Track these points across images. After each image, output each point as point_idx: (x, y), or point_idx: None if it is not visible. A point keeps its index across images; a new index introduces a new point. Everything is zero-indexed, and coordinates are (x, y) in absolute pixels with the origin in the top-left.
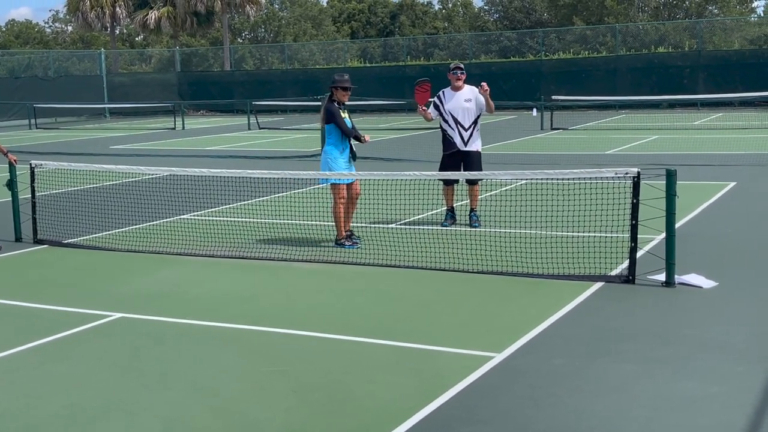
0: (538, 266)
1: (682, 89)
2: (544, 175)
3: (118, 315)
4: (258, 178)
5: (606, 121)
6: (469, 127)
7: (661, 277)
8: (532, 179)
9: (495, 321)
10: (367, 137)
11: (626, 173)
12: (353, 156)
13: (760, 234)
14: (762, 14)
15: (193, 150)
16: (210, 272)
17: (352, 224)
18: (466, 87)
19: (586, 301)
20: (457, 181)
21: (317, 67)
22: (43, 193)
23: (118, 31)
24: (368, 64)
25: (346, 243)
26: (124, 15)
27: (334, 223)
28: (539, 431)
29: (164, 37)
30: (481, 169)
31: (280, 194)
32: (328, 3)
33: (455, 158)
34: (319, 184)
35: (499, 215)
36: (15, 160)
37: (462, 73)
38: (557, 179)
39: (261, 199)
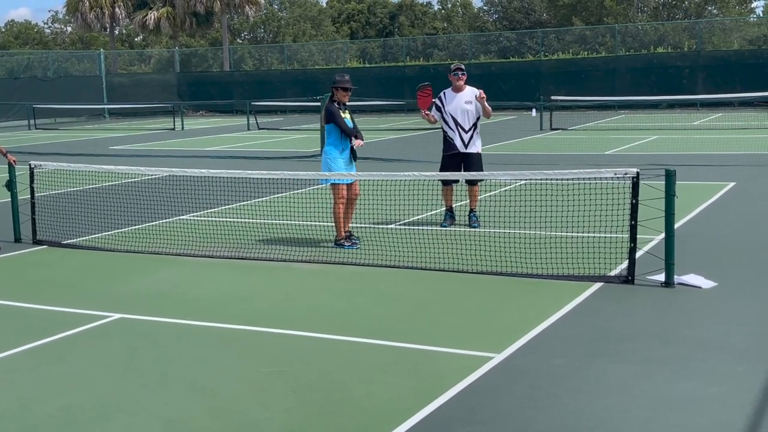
0: (537, 266)
1: (682, 89)
2: (544, 176)
3: (117, 315)
4: (257, 178)
5: (605, 121)
6: (470, 129)
7: (661, 277)
8: (531, 179)
9: (494, 321)
10: (357, 142)
11: (625, 173)
12: (354, 156)
13: (760, 234)
14: (761, 14)
15: (192, 150)
16: (209, 273)
17: (351, 224)
18: (468, 88)
19: (586, 301)
20: (456, 181)
21: (316, 67)
22: (42, 194)
23: (117, 32)
24: (367, 65)
25: (346, 243)
26: (123, 15)
27: (333, 224)
28: (539, 431)
29: (163, 37)
30: (482, 170)
31: (280, 195)
32: (327, 3)
33: (456, 159)
34: (319, 184)
35: (499, 215)
36: (14, 161)
37: (463, 74)
38: (556, 179)
39: (260, 199)
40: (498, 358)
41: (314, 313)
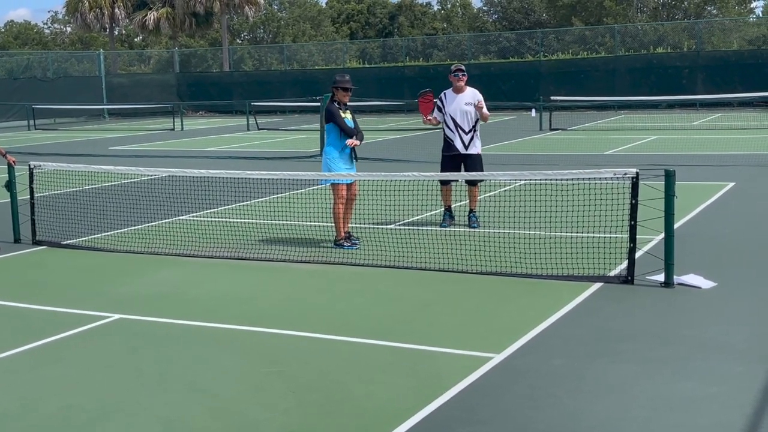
0: (537, 267)
1: (681, 90)
2: (543, 176)
3: (117, 316)
4: (257, 179)
5: (605, 121)
6: (470, 130)
7: (660, 277)
8: (531, 180)
9: (494, 321)
10: (350, 141)
11: (625, 174)
12: (354, 156)
13: (759, 234)
14: (761, 15)
15: (191, 151)
16: (209, 273)
17: (350, 225)
18: (468, 89)
19: (585, 301)
20: (455, 181)
21: (316, 67)
22: (41, 194)
23: (116, 32)
24: (367, 65)
25: (345, 244)
26: (122, 16)
27: (332, 224)
28: (538, 431)
29: (163, 38)
30: (482, 171)
31: (279, 195)
32: (327, 4)
33: (456, 160)
34: (319, 184)
35: (498, 216)
36: (14, 161)
37: (463, 75)
38: (556, 180)
39: (260, 199)
40: (498, 358)
41: (314, 313)
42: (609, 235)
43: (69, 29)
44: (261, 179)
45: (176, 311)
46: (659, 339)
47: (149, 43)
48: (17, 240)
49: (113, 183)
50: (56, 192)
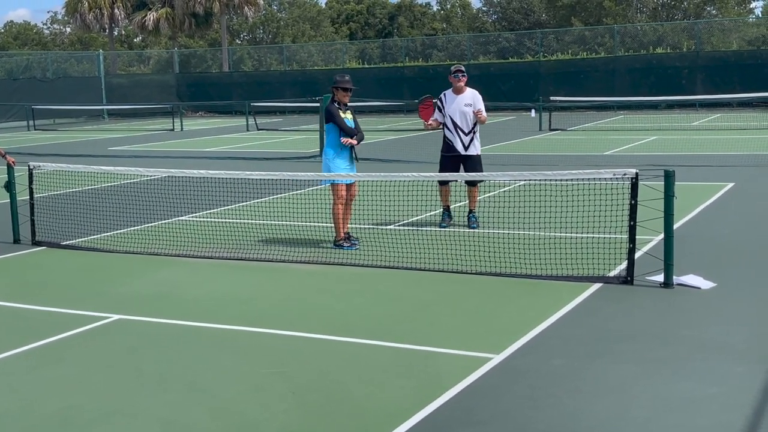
0: (536, 267)
1: (681, 90)
2: (543, 176)
3: (117, 317)
4: (256, 179)
5: (604, 121)
6: (470, 132)
7: (660, 278)
8: (530, 180)
9: (494, 322)
10: (345, 140)
11: (624, 174)
12: (354, 157)
13: (759, 234)
14: (760, 15)
15: (191, 151)
16: (208, 273)
17: (350, 225)
18: (468, 90)
19: (585, 302)
20: (455, 181)
21: (316, 68)
22: (41, 195)
23: (116, 33)
24: (367, 65)
25: (345, 244)
26: (122, 16)
27: (332, 224)
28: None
29: (162, 38)
30: (482, 171)
31: (279, 195)
32: (326, 4)
33: (455, 161)
34: (320, 185)
35: (498, 216)
36: (13, 162)
37: (463, 76)
38: (556, 180)
39: (259, 200)
40: (497, 358)
41: (313, 313)
42: (608, 236)
43: (68, 30)
44: (260, 180)
45: (176, 312)
46: (659, 339)
47: (149, 43)
48: (17, 240)
49: (113, 183)
50: (56, 192)
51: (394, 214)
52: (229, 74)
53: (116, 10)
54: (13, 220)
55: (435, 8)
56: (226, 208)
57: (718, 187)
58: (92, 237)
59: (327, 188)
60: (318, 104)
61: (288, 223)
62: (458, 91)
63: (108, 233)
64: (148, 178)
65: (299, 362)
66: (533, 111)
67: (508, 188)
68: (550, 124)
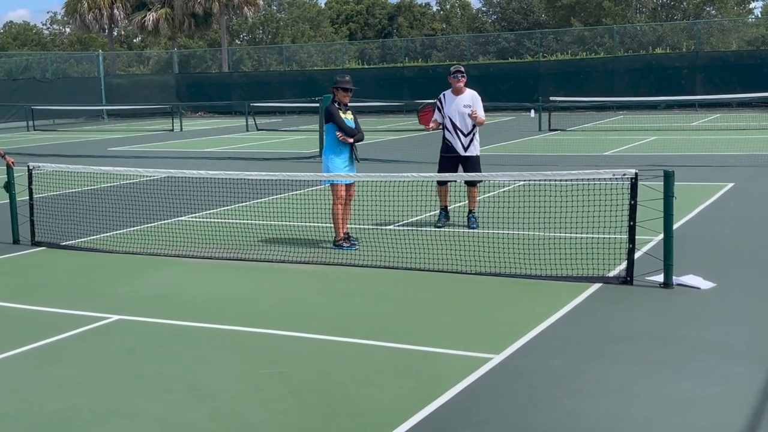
0: (536, 267)
1: (680, 90)
2: (542, 177)
3: (116, 317)
4: (256, 179)
5: (604, 122)
6: (469, 133)
7: (659, 278)
8: (530, 180)
9: (493, 322)
10: (340, 134)
11: (624, 174)
12: (354, 157)
13: (758, 235)
14: (759, 15)
15: (191, 152)
16: (208, 274)
17: (349, 225)
18: (467, 91)
19: (585, 302)
20: (453, 181)
21: (315, 68)
22: (40, 195)
23: (115, 33)
24: (366, 66)
25: (344, 244)
26: (122, 17)
27: (331, 225)
28: None
29: (162, 38)
30: (480, 172)
31: (278, 196)
32: (326, 4)
33: (454, 161)
34: (321, 184)
35: (498, 216)
36: (13, 162)
37: (462, 77)
38: (555, 180)
39: (259, 200)
40: (497, 359)
41: (313, 314)
42: (608, 236)
43: (68, 30)
44: (260, 180)
45: (175, 312)
46: (658, 339)
47: (148, 43)
48: (16, 241)
49: (112, 184)
50: (55, 193)
51: (393, 215)
52: (229, 74)
53: (116, 11)
54: (13, 221)
55: (434, 8)
56: (225, 208)
57: (718, 188)
58: (92, 237)
59: (327, 188)
60: (317, 104)
61: (287, 223)
62: (457, 92)
63: (107, 234)
64: (148, 178)
65: (299, 362)
66: (533, 111)
67: (507, 188)
68: (549, 125)
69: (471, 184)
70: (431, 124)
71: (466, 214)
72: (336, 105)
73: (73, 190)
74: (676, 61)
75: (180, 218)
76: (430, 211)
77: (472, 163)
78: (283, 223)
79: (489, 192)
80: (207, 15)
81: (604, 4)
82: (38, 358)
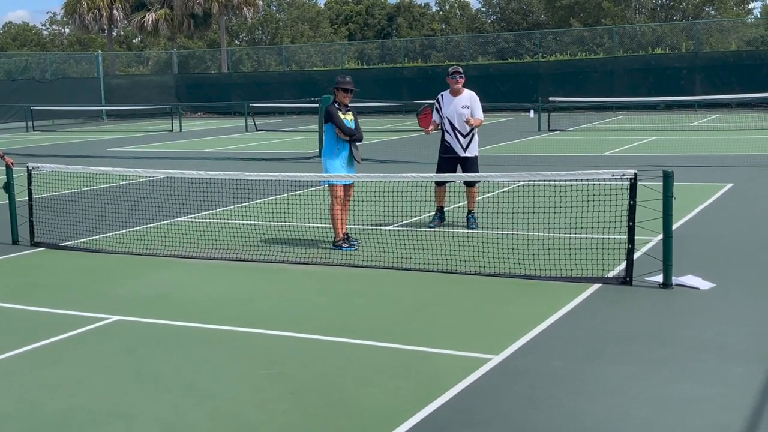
0: (535, 268)
1: (680, 90)
2: (542, 177)
3: (115, 317)
4: (255, 180)
5: (603, 122)
6: (468, 133)
7: (659, 278)
8: (529, 181)
9: (493, 322)
10: (339, 131)
11: (623, 175)
12: (355, 159)
13: (758, 235)
14: (759, 16)
15: (190, 152)
16: (207, 274)
17: (349, 226)
18: (466, 92)
19: (584, 302)
20: (452, 182)
21: (315, 69)
22: (40, 196)
23: (115, 34)
24: (366, 66)
25: (344, 245)
26: (121, 17)
27: (330, 225)
28: None
29: (161, 39)
30: (477, 172)
31: (278, 196)
32: (325, 5)
33: (453, 162)
34: (320, 185)
35: (497, 217)
36: (12, 163)
37: (460, 77)
38: (554, 181)
39: (258, 201)
40: (497, 359)
41: (312, 314)
42: (607, 236)
43: (67, 31)
44: (259, 180)
45: (175, 312)
46: (658, 340)
47: (147, 44)
48: (15, 242)
49: (111, 184)
50: (54, 193)
51: (393, 215)
52: (228, 75)
53: (115, 11)
54: (12, 221)
55: (434, 9)
56: (224, 208)
57: (717, 188)
58: (91, 238)
59: (326, 189)
60: (317, 105)
61: (287, 223)
62: (455, 93)
63: (107, 234)
64: (147, 179)
65: (298, 363)
66: (532, 112)
67: (507, 189)
68: (549, 125)
69: (470, 184)
70: (430, 127)
71: (465, 214)
72: (336, 105)
73: (73, 191)
74: (675, 61)
75: (179, 219)
76: (429, 212)
77: (471, 164)
78: (283, 223)
79: (488, 192)
80: (206, 15)
81: (603, 4)
82: (38, 359)
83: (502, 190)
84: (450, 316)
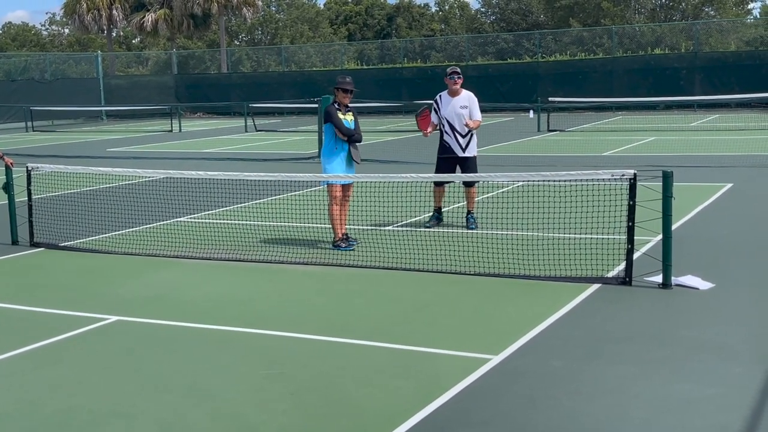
0: (535, 268)
1: (679, 91)
2: (541, 177)
3: (115, 318)
4: (255, 180)
5: (603, 122)
6: (467, 134)
7: (658, 278)
8: (529, 181)
9: (492, 323)
10: (337, 132)
11: (623, 175)
12: (354, 159)
13: (757, 235)
14: (758, 16)
15: (189, 152)
16: (207, 275)
17: (348, 226)
18: (464, 93)
19: (584, 302)
20: (451, 182)
21: (314, 69)
22: (39, 196)
23: (114, 34)
24: (365, 66)
25: (342, 245)
26: (120, 17)
27: (330, 226)
28: None
29: (161, 39)
30: (476, 173)
31: (277, 197)
32: (325, 5)
33: (452, 162)
34: (319, 185)
35: (496, 217)
36: (11, 163)
37: (459, 78)
38: (554, 181)
39: (258, 201)
40: (496, 359)
41: (312, 314)
42: (607, 237)
43: (67, 31)
44: (259, 181)
45: (174, 313)
46: (657, 340)
47: (147, 44)
48: (15, 242)
49: (111, 185)
50: (54, 194)
51: (392, 215)
52: (228, 75)
53: (114, 12)
54: (12, 222)
55: (433, 9)
56: (224, 209)
57: (717, 188)
58: (91, 238)
59: (325, 189)
60: (316, 105)
61: (286, 224)
62: (454, 93)
63: (106, 234)
64: (147, 179)
65: (298, 363)
66: (532, 112)
67: (506, 189)
68: (548, 125)
69: (469, 184)
70: (429, 129)
71: (464, 214)
72: (336, 106)
73: (72, 191)
74: (674, 61)
75: (179, 219)
76: (428, 212)
77: (470, 164)
78: (282, 223)
79: (488, 193)
80: (206, 16)
81: (602, 4)
82: (38, 359)
83: (501, 191)
84: (449, 317)
